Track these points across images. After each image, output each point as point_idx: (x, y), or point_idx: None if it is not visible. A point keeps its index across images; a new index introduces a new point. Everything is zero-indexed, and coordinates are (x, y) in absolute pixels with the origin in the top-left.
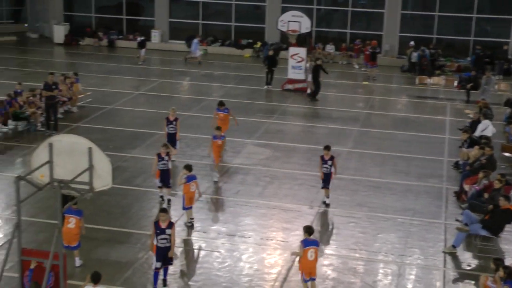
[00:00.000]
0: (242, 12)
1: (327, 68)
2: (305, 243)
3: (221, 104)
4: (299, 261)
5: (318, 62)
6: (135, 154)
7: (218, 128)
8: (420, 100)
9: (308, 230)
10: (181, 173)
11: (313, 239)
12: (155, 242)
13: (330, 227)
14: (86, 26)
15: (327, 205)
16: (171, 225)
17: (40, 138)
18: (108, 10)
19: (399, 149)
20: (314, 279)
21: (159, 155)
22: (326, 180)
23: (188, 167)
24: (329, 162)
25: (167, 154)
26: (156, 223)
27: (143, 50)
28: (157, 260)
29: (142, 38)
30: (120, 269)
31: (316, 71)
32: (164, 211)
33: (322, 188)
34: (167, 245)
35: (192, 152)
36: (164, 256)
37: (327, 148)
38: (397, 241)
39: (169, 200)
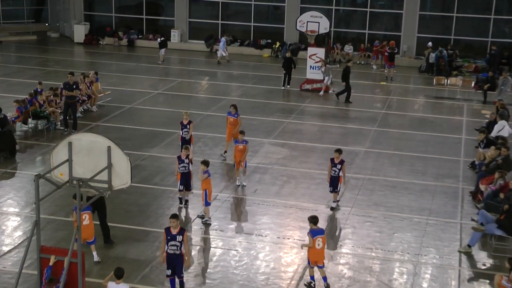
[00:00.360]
0: (261, 12)
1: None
2: (313, 233)
3: (233, 108)
4: (308, 251)
5: (349, 64)
6: (153, 153)
7: (242, 132)
8: (438, 101)
9: (313, 220)
10: (199, 168)
11: (319, 228)
12: (165, 248)
13: (347, 226)
14: (106, 26)
15: (333, 209)
16: (182, 231)
17: (59, 137)
18: (128, 10)
19: (416, 149)
20: (322, 267)
21: (179, 158)
22: (334, 184)
23: (205, 163)
24: (339, 166)
25: (187, 156)
26: (168, 229)
27: (163, 50)
28: (167, 268)
29: (162, 38)
30: (138, 266)
31: (346, 73)
32: (174, 216)
33: (331, 192)
34: (177, 252)
35: (210, 151)
36: (174, 264)
37: (338, 151)
38: (413, 240)
39: (186, 201)
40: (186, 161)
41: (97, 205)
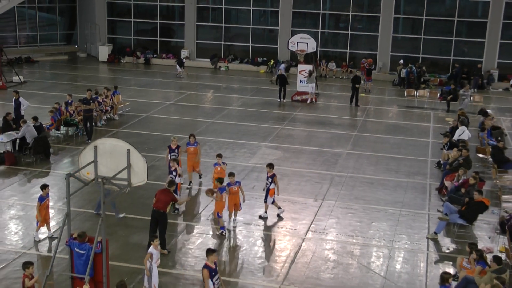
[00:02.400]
0: (258, 34)
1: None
2: (221, 190)
3: (192, 137)
4: (216, 203)
5: (357, 74)
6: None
7: (231, 174)
8: (408, 110)
9: (220, 180)
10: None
11: (224, 186)
12: (210, 286)
13: (332, 217)
14: (126, 47)
15: (264, 218)
16: (216, 263)
17: (86, 142)
18: (145, 33)
19: (390, 151)
20: (221, 217)
21: (169, 166)
22: (267, 195)
23: (220, 155)
24: (270, 179)
25: (175, 169)
26: (207, 266)
27: (178, 67)
28: None
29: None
30: None
31: (354, 81)
32: (215, 251)
33: (265, 202)
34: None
35: (214, 153)
36: None
37: (269, 165)
38: (388, 228)
39: (190, 182)
40: (174, 173)
41: (159, 219)
